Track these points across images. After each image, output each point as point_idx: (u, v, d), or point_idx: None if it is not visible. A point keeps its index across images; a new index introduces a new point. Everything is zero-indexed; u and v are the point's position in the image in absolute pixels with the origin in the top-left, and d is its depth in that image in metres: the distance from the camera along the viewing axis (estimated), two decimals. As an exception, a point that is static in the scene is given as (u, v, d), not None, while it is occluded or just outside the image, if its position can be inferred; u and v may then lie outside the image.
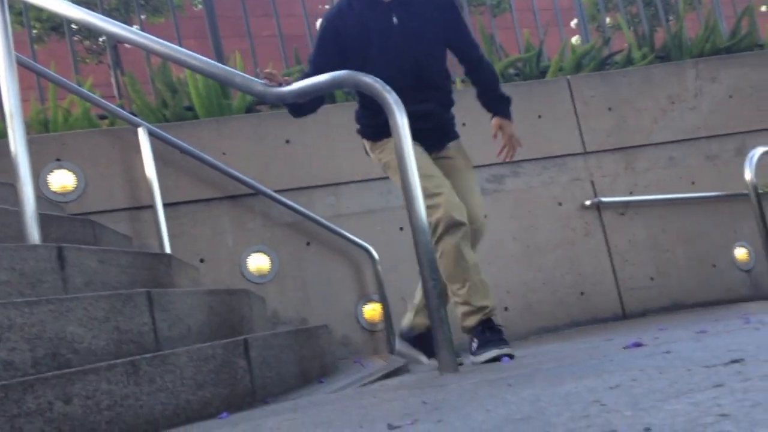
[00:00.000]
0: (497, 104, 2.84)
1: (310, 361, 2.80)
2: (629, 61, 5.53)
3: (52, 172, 4.14)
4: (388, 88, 2.22)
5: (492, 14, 6.16)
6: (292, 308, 4.34)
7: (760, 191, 4.25)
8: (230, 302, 2.88)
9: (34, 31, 6.07)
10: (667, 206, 5.04)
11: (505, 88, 2.93)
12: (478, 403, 1.39)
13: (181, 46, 3.17)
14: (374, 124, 2.64)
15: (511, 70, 5.39)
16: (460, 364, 2.54)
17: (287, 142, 4.55)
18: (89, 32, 6.51)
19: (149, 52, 3.49)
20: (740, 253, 5.08)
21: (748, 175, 4.17)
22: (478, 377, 1.91)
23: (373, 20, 2.60)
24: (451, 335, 2.16)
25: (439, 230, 2.47)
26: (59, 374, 1.86)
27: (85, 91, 4.41)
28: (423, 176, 2.32)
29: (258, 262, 4.38)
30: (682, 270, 4.98)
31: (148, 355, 2.06)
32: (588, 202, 4.91)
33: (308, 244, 4.47)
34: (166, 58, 3.74)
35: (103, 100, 4.38)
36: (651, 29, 5.93)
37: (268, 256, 4.40)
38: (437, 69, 2.69)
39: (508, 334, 2.57)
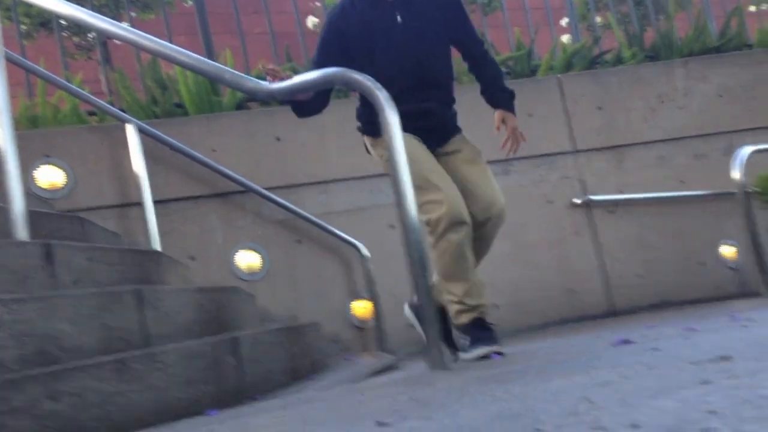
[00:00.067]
0: (500, 98, 2.82)
1: (299, 358, 2.80)
2: (619, 61, 5.56)
3: (40, 168, 4.12)
4: (378, 85, 2.20)
5: (483, 13, 6.17)
6: (283, 306, 4.33)
7: (748, 190, 4.27)
8: (220, 300, 2.86)
9: (23, 27, 6.03)
10: (656, 205, 5.06)
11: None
12: (467, 400, 1.40)
13: (171, 42, 3.15)
14: (375, 121, 2.63)
15: (502, 69, 5.39)
16: (456, 360, 2.55)
17: (278, 139, 4.54)
18: (79, 28, 6.46)
19: (139, 48, 3.47)
20: (728, 251, 5.11)
21: (736, 173, 4.20)
22: (467, 374, 1.91)
23: (376, 19, 2.57)
24: (439, 333, 2.16)
25: (441, 227, 2.42)
26: (47, 372, 1.85)
27: (74, 87, 4.38)
28: (426, 173, 2.31)
29: (248, 260, 4.37)
30: (671, 268, 5.00)
31: (137, 353, 2.05)
32: (578, 201, 4.93)
33: (298, 241, 4.47)
34: (156, 55, 3.73)
35: (93, 97, 4.35)
36: (641, 29, 5.96)
37: (259, 253, 4.39)
38: (439, 68, 2.67)
39: (498, 332, 2.57)
